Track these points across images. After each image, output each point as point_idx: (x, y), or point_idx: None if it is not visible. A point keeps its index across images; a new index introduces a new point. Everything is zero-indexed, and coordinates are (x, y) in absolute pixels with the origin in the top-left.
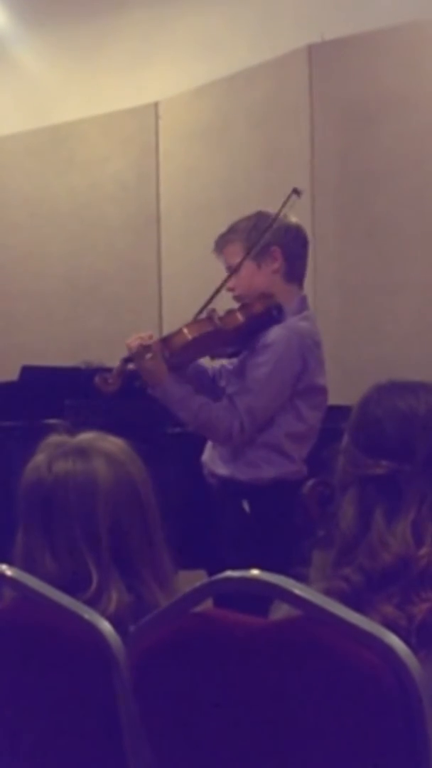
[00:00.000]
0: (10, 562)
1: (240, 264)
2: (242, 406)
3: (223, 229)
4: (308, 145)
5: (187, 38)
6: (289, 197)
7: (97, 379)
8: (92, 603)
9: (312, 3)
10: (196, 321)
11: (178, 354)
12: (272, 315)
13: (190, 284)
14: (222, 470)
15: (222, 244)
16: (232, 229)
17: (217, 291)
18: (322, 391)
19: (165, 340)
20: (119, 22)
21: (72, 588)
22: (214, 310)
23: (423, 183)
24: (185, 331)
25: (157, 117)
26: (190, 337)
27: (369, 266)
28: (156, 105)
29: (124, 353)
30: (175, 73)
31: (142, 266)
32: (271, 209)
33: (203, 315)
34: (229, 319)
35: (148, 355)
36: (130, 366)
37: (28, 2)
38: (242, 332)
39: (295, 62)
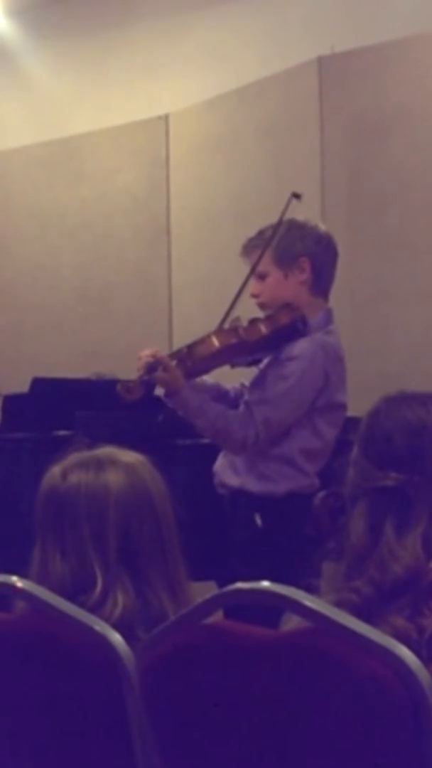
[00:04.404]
0: (22, 571)
1: (257, 264)
2: (260, 416)
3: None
4: (318, 156)
5: (197, 50)
6: (288, 202)
7: (119, 387)
8: (98, 605)
9: (322, 15)
10: (222, 331)
11: (201, 362)
12: (297, 328)
13: (200, 296)
14: (233, 481)
15: (250, 249)
16: (262, 236)
17: (238, 295)
18: (341, 407)
19: (191, 347)
20: (129, 35)
21: (79, 590)
22: (238, 319)
23: None
24: (213, 339)
25: (167, 129)
26: (217, 345)
27: (379, 277)
28: (166, 117)
29: (134, 364)
30: (185, 85)
31: (153, 278)
32: (297, 218)
33: (229, 325)
34: (252, 331)
35: (161, 367)
36: (158, 373)
37: (38, 15)
38: (265, 344)
39: (305, 74)
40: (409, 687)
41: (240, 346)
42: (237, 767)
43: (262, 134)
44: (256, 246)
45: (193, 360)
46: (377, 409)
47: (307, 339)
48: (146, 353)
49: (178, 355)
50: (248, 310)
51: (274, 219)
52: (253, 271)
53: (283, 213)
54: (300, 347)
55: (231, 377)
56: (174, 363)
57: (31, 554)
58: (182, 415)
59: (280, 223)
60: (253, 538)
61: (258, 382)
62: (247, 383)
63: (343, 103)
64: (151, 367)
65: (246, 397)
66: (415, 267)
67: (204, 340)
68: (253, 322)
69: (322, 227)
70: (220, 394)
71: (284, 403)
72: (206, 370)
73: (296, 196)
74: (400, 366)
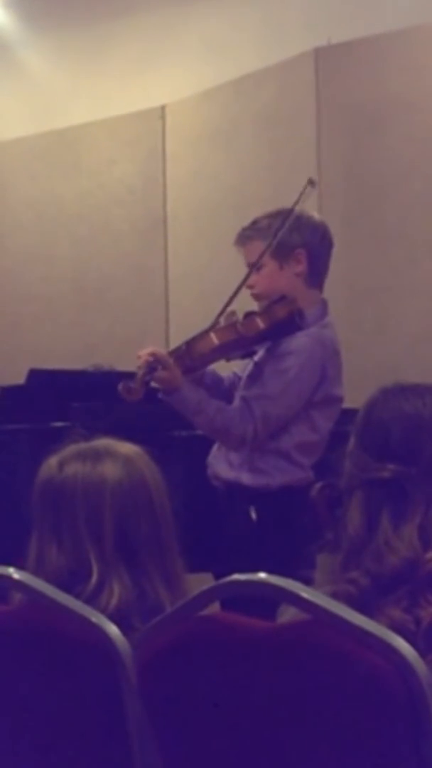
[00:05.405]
0: (19, 562)
1: (258, 260)
2: (258, 411)
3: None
4: (314, 148)
5: (194, 41)
6: (304, 188)
7: (121, 387)
8: (94, 595)
9: (318, 6)
10: (221, 328)
11: (200, 358)
12: (294, 322)
13: (197, 287)
14: (227, 474)
15: (244, 239)
16: (256, 226)
17: (238, 290)
18: (338, 401)
19: (189, 344)
20: (126, 26)
21: (76, 581)
22: (234, 313)
23: (429, 186)
24: (212, 336)
25: (163, 120)
26: (216, 342)
27: (376, 269)
28: (162, 108)
29: (132, 356)
30: (181, 77)
31: (149, 269)
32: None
33: (225, 319)
34: (250, 326)
35: (161, 366)
36: (158, 373)
37: (35, 6)
38: (263, 338)
39: (302, 65)
40: (406, 678)
41: (238, 342)
42: (233, 758)
43: (258, 125)
44: (249, 236)
45: (192, 357)
46: (374, 400)
47: (305, 333)
48: (146, 352)
49: (176, 353)
50: (243, 301)
51: (270, 209)
52: (254, 265)
53: (298, 201)
54: (298, 342)
55: (224, 368)
56: (173, 361)
57: (28, 545)
58: (181, 413)
59: (291, 211)
60: (248, 531)
61: (255, 377)
62: (239, 372)
63: (339, 94)
64: (152, 366)
65: (242, 391)
66: (412, 258)
67: (203, 337)
68: (250, 316)
69: (317, 217)
70: (214, 382)
71: (283, 398)
72: (204, 366)
73: (312, 183)
74: (397, 357)
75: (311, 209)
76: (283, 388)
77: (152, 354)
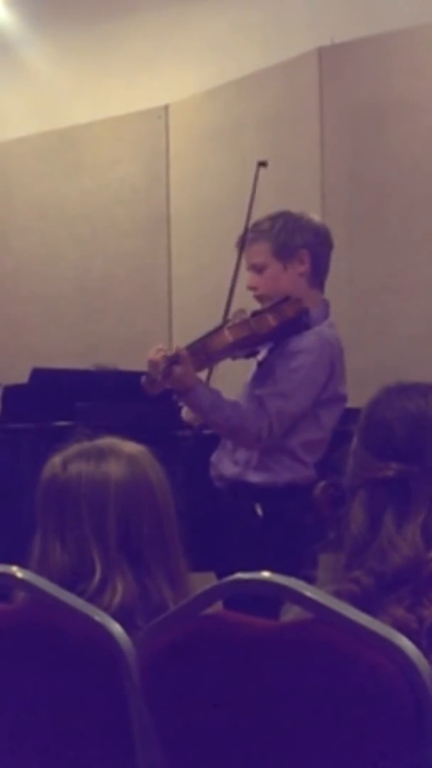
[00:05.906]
0: (22, 561)
1: (240, 256)
2: (273, 409)
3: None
4: (318, 147)
5: (197, 41)
6: (257, 173)
7: (144, 380)
8: (97, 593)
9: (322, 6)
10: (234, 324)
11: (214, 355)
12: (302, 320)
13: (200, 287)
14: (232, 471)
15: (247, 243)
16: (258, 229)
17: (233, 288)
18: (343, 399)
19: (205, 342)
20: (129, 25)
21: (79, 579)
22: (243, 311)
23: None
24: (226, 333)
25: (166, 120)
26: (231, 339)
27: (379, 268)
28: (166, 108)
29: (135, 356)
30: (185, 76)
31: (152, 269)
32: (291, 211)
33: (235, 317)
34: (261, 323)
35: (180, 361)
36: (176, 368)
37: (37, 5)
38: (271, 336)
39: (305, 65)
40: (409, 677)
41: (249, 339)
42: (236, 756)
43: (261, 125)
44: (253, 240)
45: (208, 353)
46: (377, 399)
47: (313, 332)
48: (161, 346)
49: (191, 349)
50: (243, 301)
51: (273, 210)
52: (239, 264)
53: (255, 185)
54: (307, 340)
55: (226, 368)
56: (188, 355)
57: (31, 544)
58: (195, 413)
59: (252, 198)
60: (253, 529)
61: (264, 377)
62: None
63: (343, 94)
64: (172, 360)
65: (254, 390)
66: (414, 258)
67: (218, 334)
68: (260, 314)
69: (317, 219)
70: None
71: (296, 395)
72: (215, 363)
73: (262, 164)
74: (400, 357)
75: (314, 208)
76: (295, 386)
77: (168, 349)
